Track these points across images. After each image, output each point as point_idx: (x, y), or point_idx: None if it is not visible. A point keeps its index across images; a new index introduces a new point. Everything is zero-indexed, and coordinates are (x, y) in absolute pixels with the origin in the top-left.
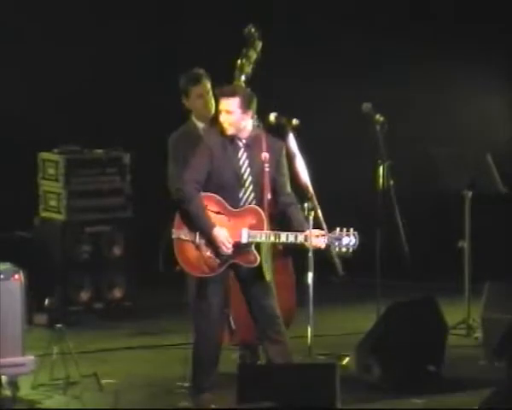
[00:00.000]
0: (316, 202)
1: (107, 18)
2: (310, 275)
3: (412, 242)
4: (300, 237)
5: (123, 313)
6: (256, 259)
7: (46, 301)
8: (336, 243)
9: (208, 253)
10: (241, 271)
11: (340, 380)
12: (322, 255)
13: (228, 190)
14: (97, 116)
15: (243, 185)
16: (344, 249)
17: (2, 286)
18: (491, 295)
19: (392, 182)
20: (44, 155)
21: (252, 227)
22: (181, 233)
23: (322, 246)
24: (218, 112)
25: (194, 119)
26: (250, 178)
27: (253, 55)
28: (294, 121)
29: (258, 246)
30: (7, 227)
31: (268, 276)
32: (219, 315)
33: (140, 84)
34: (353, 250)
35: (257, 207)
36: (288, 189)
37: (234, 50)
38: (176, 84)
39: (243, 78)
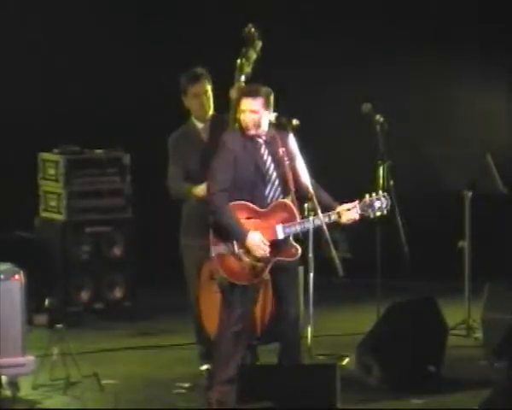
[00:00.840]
0: (316, 203)
1: (107, 18)
2: (310, 276)
3: (412, 242)
4: (334, 216)
5: (123, 313)
6: (297, 250)
7: (46, 302)
8: (370, 210)
9: (250, 259)
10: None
11: (340, 380)
12: (323, 256)
13: (254, 189)
14: (97, 116)
15: (269, 182)
16: (378, 213)
17: (2, 286)
18: (491, 295)
19: (392, 182)
20: (44, 155)
21: (285, 221)
22: (220, 249)
23: (357, 217)
24: (236, 112)
25: (193, 119)
26: (274, 174)
27: (253, 55)
28: (294, 122)
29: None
30: (7, 227)
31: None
32: (248, 321)
33: (140, 84)
34: (387, 212)
35: (285, 200)
36: (307, 175)
37: (234, 50)
38: (176, 85)
39: (243, 78)
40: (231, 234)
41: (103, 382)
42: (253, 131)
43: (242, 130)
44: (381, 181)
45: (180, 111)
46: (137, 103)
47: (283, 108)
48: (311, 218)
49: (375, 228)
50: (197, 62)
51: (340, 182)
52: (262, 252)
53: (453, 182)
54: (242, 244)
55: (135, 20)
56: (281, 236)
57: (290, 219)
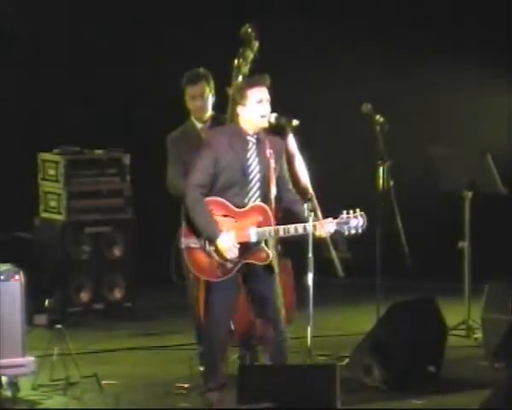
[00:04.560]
0: (316, 203)
1: (108, 17)
2: (310, 276)
3: (412, 242)
4: (309, 227)
5: (123, 313)
6: (268, 255)
7: (46, 302)
8: (345, 227)
9: (219, 258)
10: (248, 269)
11: (340, 380)
12: (322, 256)
13: (235, 188)
14: (97, 116)
15: (250, 182)
16: (353, 231)
17: (2, 287)
18: (491, 295)
19: (392, 182)
20: (44, 155)
21: (259, 225)
22: (190, 242)
23: (332, 231)
24: (234, 111)
25: (193, 118)
26: (258, 175)
27: (250, 56)
28: (294, 122)
29: (266, 241)
30: (7, 228)
31: (276, 268)
32: (229, 318)
33: (140, 84)
34: (362, 231)
35: (262, 203)
36: (290, 185)
37: (231, 50)
38: (175, 85)
39: (240, 78)
40: (203, 231)
41: (103, 382)
42: (265, 125)
43: (240, 126)
44: (380, 181)
45: (180, 111)
46: (137, 103)
47: (283, 109)
48: (285, 226)
49: (375, 228)
50: (196, 62)
51: (340, 182)
52: (231, 255)
53: (453, 182)
54: (212, 243)
55: (134, 20)
56: (253, 239)
57: (265, 223)
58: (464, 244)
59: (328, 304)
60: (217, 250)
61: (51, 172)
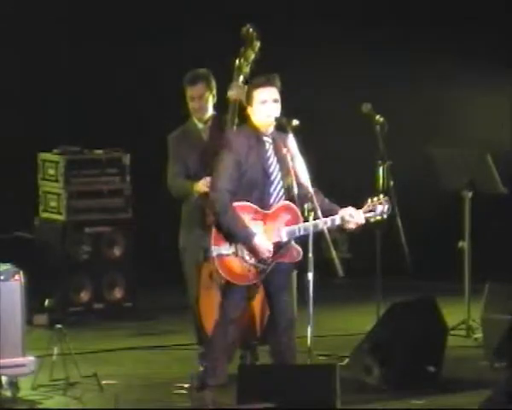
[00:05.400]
0: (316, 203)
1: (107, 18)
2: (310, 276)
3: (412, 242)
4: (338, 220)
5: (123, 313)
6: (299, 253)
7: (46, 302)
8: (372, 214)
9: (252, 260)
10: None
11: (340, 380)
12: (322, 256)
13: (259, 189)
14: (97, 116)
15: (273, 182)
16: (379, 217)
17: (2, 287)
18: (491, 295)
19: (392, 182)
20: (44, 155)
21: (288, 223)
22: (221, 249)
23: (363, 221)
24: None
25: (194, 118)
26: (279, 174)
27: (251, 55)
28: (294, 122)
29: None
30: (7, 228)
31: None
32: (241, 319)
33: (140, 84)
34: (388, 215)
35: (288, 202)
36: (302, 179)
37: (232, 50)
38: (175, 85)
39: (241, 78)
40: (237, 235)
41: (103, 382)
42: (273, 124)
43: (254, 127)
44: (381, 181)
45: (180, 111)
46: (137, 103)
47: (283, 109)
48: (315, 221)
49: (375, 229)
50: (197, 62)
51: (340, 182)
52: (268, 254)
53: (453, 182)
54: (247, 245)
55: (135, 20)
56: (285, 238)
57: (293, 221)
58: (464, 244)
59: (328, 304)
60: (249, 252)
61: (51, 172)
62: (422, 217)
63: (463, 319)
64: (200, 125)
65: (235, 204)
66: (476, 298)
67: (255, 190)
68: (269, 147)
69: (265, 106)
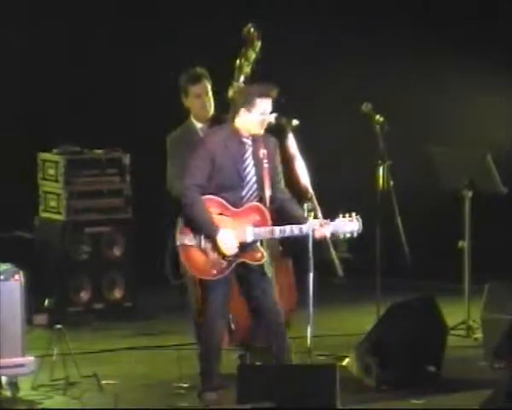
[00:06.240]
0: (316, 203)
1: (107, 17)
2: (310, 276)
3: (412, 242)
4: (305, 229)
5: (122, 313)
6: (263, 255)
7: (46, 302)
8: (340, 230)
9: (215, 256)
10: (242, 269)
11: (339, 380)
12: (322, 256)
13: (230, 189)
14: (97, 116)
15: (246, 185)
16: (348, 235)
17: (2, 287)
18: (491, 295)
19: (392, 183)
20: (44, 155)
21: (256, 224)
22: (185, 239)
23: (328, 234)
24: (237, 107)
25: (192, 118)
26: (254, 178)
27: (252, 56)
28: (294, 122)
29: (261, 241)
30: (7, 227)
31: (269, 272)
32: (224, 317)
33: (140, 84)
34: (357, 235)
35: (259, 204)
36: (283, 184)
37: (233, 50)
38: (176, 85)
39: (242, 78)
40: (203, 228)
41: (103, 382)
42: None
43: (235, 129)
44: (380, 181)
45: (180, 111)
46: (137, 103)
47: (283, 109)
48: (283, 227)
49: (375, 228)
50: (197, 62)
51: (340, 182)
52: (231, 251)
53: (453, 182)
54: (211, 239)
55: (134, 20)
56: (249, 238)
57: (261, 223)
58: (464, 244)
59: (328, 304)
60: (215, 247)
61: (51, 172)
62: (422, 217)
63: (463, 319)
64: (199, 125)
65: (205, 197)
66: (476, 298)
67: (227, 189)
68: (248, 149)
69: (263, 117)
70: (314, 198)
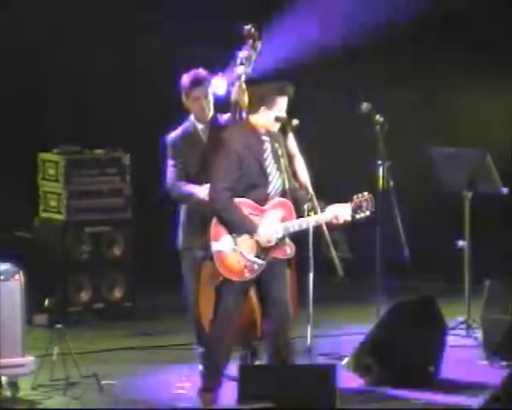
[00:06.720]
0: (315, 203)
1: (108, 17)
2: (310, 276)
3: (412, 242)
4: (329, 216)
5: (122, 313)
6: (292, 249)
7: (46, 302)
8: (359, 211)
9: (250, 256)
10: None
11: (340, 380)
12: (322, 256)
13: (257, 187)
14: (97, 116)
15: (271, 181)
16: (365, 214)
17: (2, 287)
18: (491, 295)
19: (392, 183)
20: (44, 155)
21: (283, 219)
22: (220, 245)
23: (349, 218)
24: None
25: (193, 119)
26: (276, 173)
27: (253, 55)
28: (294, 122)
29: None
30: (7, 227)
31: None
32: (237, 320)
33: (140, 84)
34: (370, 213)
35: (284, 199)
36: (290, 174)
37: (233, 50)
38: (176, 85)
39: (242, 78)
40: (242, 227)
41: (103, 382)
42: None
43: (252, 127)
44: (380, 181)
45: (180, 111)
46: (137, 103)
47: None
48: (307, 218)
49: (375, 228)
50: (197, 62)
51: (339, 182)
52: (271, 244)
53: (453, 182)
54: (249, 237)
55: (134, 21)
56: (280, 234)
57: (288, 217)
58: (464, 244)
59: (328, 304)
60: (251, 246)
61: (51, 172)
62: (422, 217)
63: (463, 318)
64: (200, 126)
65: (234, 200)
66: (476, 298)
67: (254, 188)
68: (267, 146)
69: (281, 114)
70: (314, 198)
